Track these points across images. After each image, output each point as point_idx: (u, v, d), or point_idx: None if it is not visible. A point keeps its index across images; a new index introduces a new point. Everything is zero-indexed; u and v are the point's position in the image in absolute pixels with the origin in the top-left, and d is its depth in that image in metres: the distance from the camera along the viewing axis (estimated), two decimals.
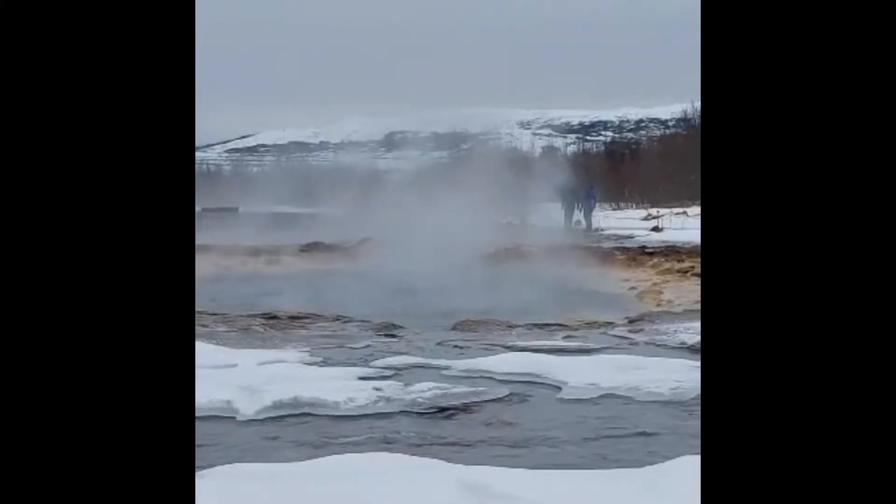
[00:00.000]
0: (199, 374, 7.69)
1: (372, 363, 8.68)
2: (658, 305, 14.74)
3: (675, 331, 10.65)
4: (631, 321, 11.96)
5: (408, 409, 6.87)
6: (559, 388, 7.63)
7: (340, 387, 7.22)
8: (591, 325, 11.90)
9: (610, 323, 11.97)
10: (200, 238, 23.37)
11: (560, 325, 11.89)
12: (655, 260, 19.15)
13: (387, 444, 5.92)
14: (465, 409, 6.96)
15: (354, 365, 8.61)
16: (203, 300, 13.90)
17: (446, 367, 8.48)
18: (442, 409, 6.90)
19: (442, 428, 6.42)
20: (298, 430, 6.34)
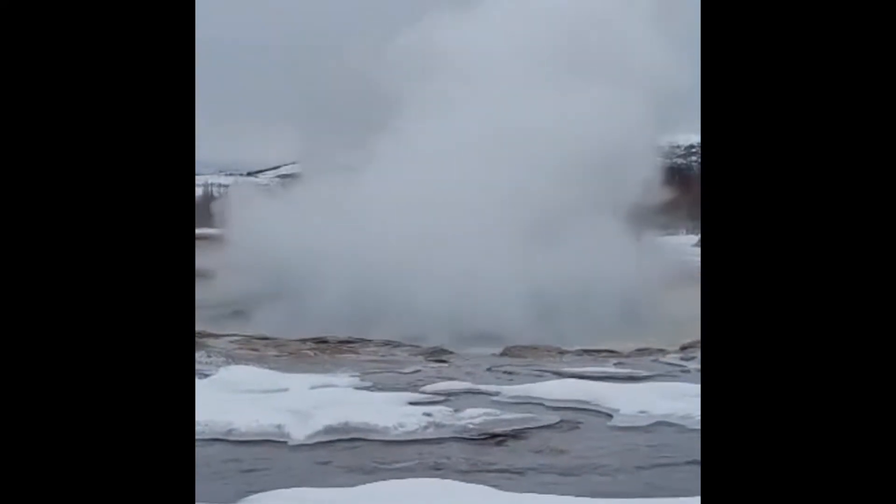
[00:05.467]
0: (250, 398, 7.79)
1: (422, 388, 8.68)
2: None
3: None
4: (682, 348, 11.83)
5: (458, 435, 6.85)
6: (610, 416, 7.57)
7: (391, 412, 7.23)
8: (643, 351, 11.81)
9: (661, 350, 11.86)
10: None
11: (610, 351, 11.82)
12: None
13: (437, 470, 5.91)
14: (516, 435, 6.92)
15: (404, 390, 8.61)
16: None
17: (496, 393, 8.45)
18: (492, 436, 6.87)
19: (492, 454, 6.39)
20: (349, 456, 6.34)
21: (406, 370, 10.00)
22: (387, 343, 12.19)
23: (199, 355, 10.36)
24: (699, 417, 7.11)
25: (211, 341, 11.88)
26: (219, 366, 9.71)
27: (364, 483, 5.18)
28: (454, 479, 5.39)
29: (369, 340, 12.35)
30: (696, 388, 8.25)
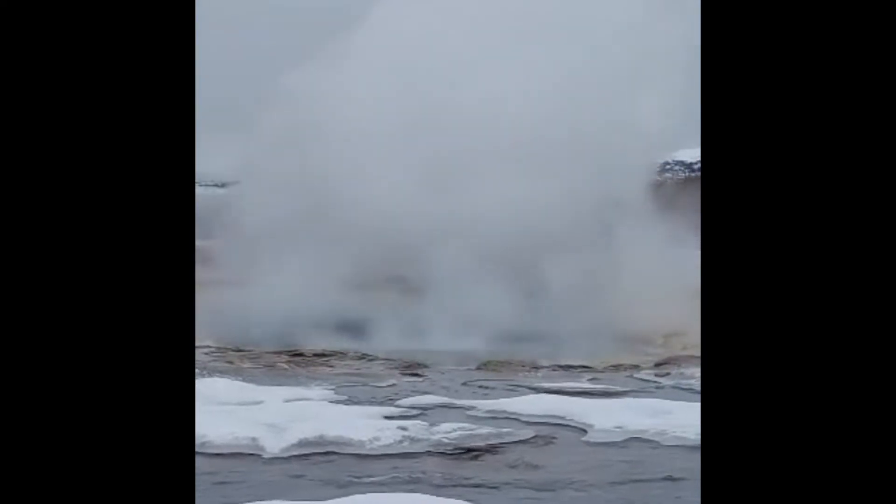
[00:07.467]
0: (225, 410, 7.76)
1: (397, 402, 8.67)
2: (683, 349, 14.64)
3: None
4: (657, 364, 11.90)
5: (433, 450, 6.84)
6: (585, 431, 7.58)
7: (365, 426, 7.21)
8: (617, 367, 11.84)
9: (636, 366, 11.91)
10: None
11: (585, 366, 11.84)
12: None
13: (412, 484, 5.89)
14: (491, 450, 6.92)
15: (380, 404, 8.60)
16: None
17: (471, 408, 8.45)
18: (467, 450, 6.87)
19: (467, 469, 6.38)
20: (323, 469, 6.32)
21: (381, 384, 10.00)
22: (362, 356, 12.17)
23: None
24: (674, 433, 7.18)
25: None
26: None
27: (338, 497, 5.16)
28: (429, 493, 5.38)
29: (344, 353, 12.33)
30: (671, 405, 8.31)
